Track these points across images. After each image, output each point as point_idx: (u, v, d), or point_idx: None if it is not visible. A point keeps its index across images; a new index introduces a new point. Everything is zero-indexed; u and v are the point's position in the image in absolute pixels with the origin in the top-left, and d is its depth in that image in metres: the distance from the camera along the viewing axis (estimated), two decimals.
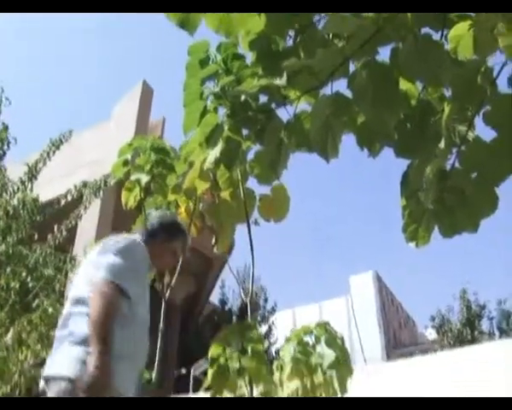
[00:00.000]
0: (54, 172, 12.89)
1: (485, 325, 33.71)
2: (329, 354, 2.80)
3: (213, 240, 3.87)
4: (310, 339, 2.91)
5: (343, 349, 2.86)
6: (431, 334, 36.92)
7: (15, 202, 5.38)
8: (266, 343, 22.07)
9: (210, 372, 2.85)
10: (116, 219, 15.32)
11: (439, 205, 2.33)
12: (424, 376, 9.41)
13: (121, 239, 2.65)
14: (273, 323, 25.98)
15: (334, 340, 2.87)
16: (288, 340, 2.95)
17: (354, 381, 8.94)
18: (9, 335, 4.71)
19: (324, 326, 2.88)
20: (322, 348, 2.87)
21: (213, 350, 2.85)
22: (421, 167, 2.35)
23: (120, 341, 2.36)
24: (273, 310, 28.20)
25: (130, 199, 4.27)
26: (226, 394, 2.88)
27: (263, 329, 24.96)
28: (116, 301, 2.36)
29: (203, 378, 3.11)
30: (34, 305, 4.96)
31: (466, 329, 32.54)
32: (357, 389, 8.98)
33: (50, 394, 2.32)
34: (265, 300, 28.44)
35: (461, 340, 28.65)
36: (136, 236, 2.83)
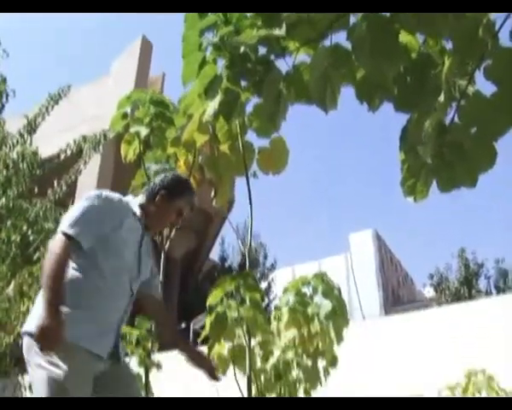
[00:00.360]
0: (53, 128, 12.86)
1: (482, 283, 34.07)
2: (326, 305, 2.84)
3: (212, 193, 3.89)
4: (307, 290, 2.95)
5: (340, 300, 2.90)
6: (429, 292, 37.31)
7: (15, 155, 5.37)
8: (266, 300, 22.33)
9: (208, 321, 2.89)
10: (116, 174, 15.34)
11: (437, 159, 2.33)
12: (422, 331, 9.50)
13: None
14: (272, 280, 26.23)
15: (331, 291, 2.90)
16: (285, 290, 2.99)
17: (352, 336, 9.04)
18: (11, 287, 4.77)
19: (321, 277, 2.92)
20: (319, 298, 2.92)
21: (211, 299, 2.88)
22: (421, 121, 2.34)
23: (78, 291, 2.46)
24: (272, 267, 28.46)
25: (129, 152, 4.27)
26: (224, 343, 2.94)
27: (262, 285, 25.21)
28: (62, 250, 2.42)
29: (202, 332, 3.16)
30: (35, 258, 5.00)
31: (463, 287, 32.91)
32: (355, 344, 9.10)
33: (23, 349, 2.43)
34: (265, 257, 28.68)
35: (458, 298, 28.97)
36: (130, 197, 2.88)
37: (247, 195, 3.59)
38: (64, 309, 2.37)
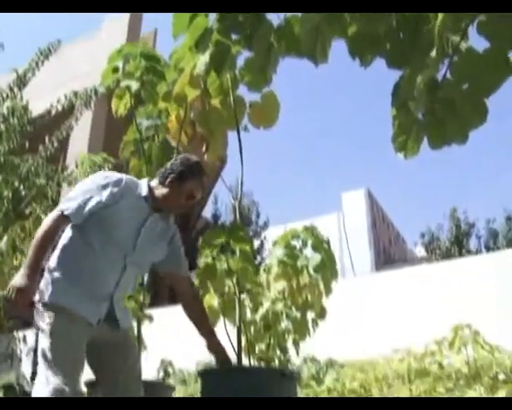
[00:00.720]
0: (44, 85, 12.71)
1: (473, 243, 34.37)
2: (315, 257, 2.88)
3: (204, 148, 3.89)
4: (297, 243, 2.98)
5: (329, 253, 2.93)
6: (420, 251, 37.64)
7: (5, 110, 5.32)
8: (258, 258, 22.48)
9: (198, 272, 2.94)
10: (108, 130, 15.25)
11: (428, 116, 2.34)
12: (412, 288, 9.62)
13: None
14: (265, 238, 26.28)
15: (320, 244, 2.93)
16: (275, 243, 3.02)
17: (344, 293, 9.11)
18: (3, 241, 4.78)
19: (311, 230, 2.94)
20: (308, 251, 2.96)
21: (201, 250, 2.92)
22: (413, 77, 2.34)
23: (69, 260, 2.72)
24: (265, 225, 28.53)
25: (120, 107, 4.24)
26: (214, 295, 2.99)
27: (255, 244, 25.32)
28: (52, 224, 2.67)
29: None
30: (27, 212, 5.02)
31: (454, 247, 33.20)
32: (346, 300, 9.21)
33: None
34: (257, 215, 28.75)
35: (449, 257, 29.19)
36: (144, 180, 3.01)
37: (239, 151, 3.58)
38: (56, 274, 2.66)
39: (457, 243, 33.62)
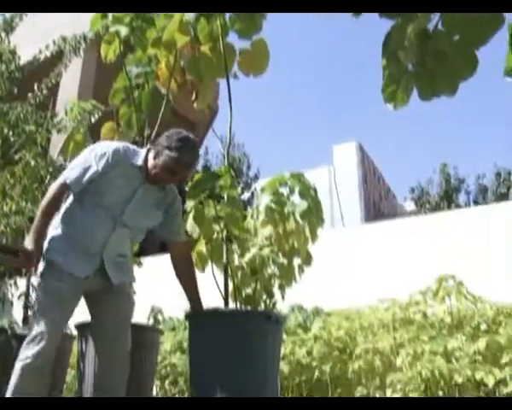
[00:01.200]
0: (33, 32, 12.47)
1: (462, 198, 34.59)
2: (302, 204, 2.91)
3: (193, 96, 3.88)
4: (284, 190, 3.01)
5: (315, 200, 2.96)
6: (410, 206, 37.87)
7: None
8: (249, 209, 22.49)
9: (187, 218, 2.97)
10: (98, 78, 15.05)
11: (419, 66, 2.34)
12: (400, 239, 9.69)
13: None
14: (256, 190, 26.28)
15: (307, 190, 2.95)
16: (262, 190, 3.04)
17: (333, 243, 9.17)
18: None
19: (298, 177, 2.96)
20: (295, 198, 2.98)
21: (189, 196, 2.94)
22: (404, 27, 2.33)
23: (66, 221, 3.03)
24: (256, 177, 28.53)
25: (109, 52, 4.19)
26: (202, 240, 3.03)
27: (246, 196, 25.38)
28: (55, 192, 2.97)
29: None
30: (16, 158, 5.01)
31: (443, 201, 33.42)
32: (335, 250, 9.27)
33: None
34: (248, 167, 28.71)
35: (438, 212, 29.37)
36: (144, 149, 3.19)
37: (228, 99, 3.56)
38: (53, 233, 3.02)
39: (447, 198, 33.82)
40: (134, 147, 3.21)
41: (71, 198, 3.09)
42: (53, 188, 3.01)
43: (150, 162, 3.06)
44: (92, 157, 3.01)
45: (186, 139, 3.04)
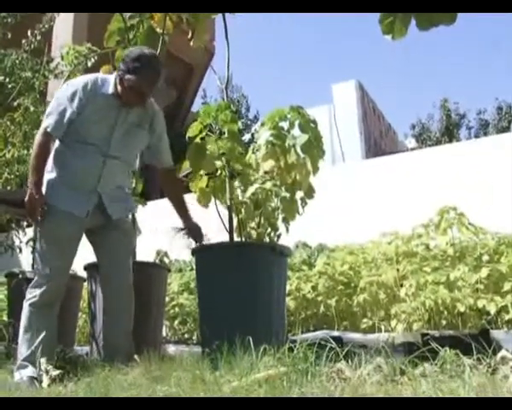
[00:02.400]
0: None
1: (463, 133, 34.42)
2: (303, 137, 2.90)
3: (189, 35, 3.82)
4: (284, 124, 2.99)
5: (316, 132, 2.94)
6: (410, 142, 37.69)
7: None
8: (249, 151, 22.38)
9: (188, 153, 2.98)
10: (91, 21, 14.80)
11: None
12: (401, 174, 9.63)
13: None
14: (256, 131, 26.09)
15: (307, 123, 2.93)
16: (262, 124, 3.02)
17: (334, 178, 9.14)
18: None
19: (298, 110, 2.94)
20: (296, 131, 2.97)
21: (190, 132, 2.94)
22: None
23: (56, 164, 3.10)
24: (255, 119, 28.32)
25: None
26: (204, 177, 3.04)
27: (245, 137, 25.23)
28: (41, 141, 3.05)
29: (186, 180, 3.31)
30: (15, 104, 4.99)
31: (444, 137, 33.24)
32: (337, 186, 9.25)
33: None
34: (247, 108, 28.48)
35: None
36: (113, 75, 3.16)
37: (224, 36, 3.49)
38: (47, 177, 3.07)
39: (448, 134, 33.64)
40: (102, 76, 3.23)
41: (57, 143, 3.14)
42: (37, 138, 3.08)
43: (119, 88, 3.08)
44: (64, 99, 3.04)
45: (141, 57, 3.03)
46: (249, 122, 27.72)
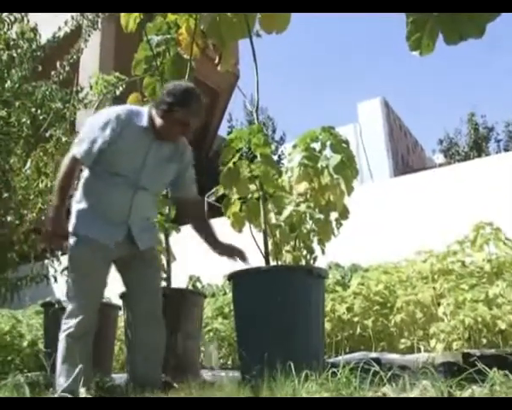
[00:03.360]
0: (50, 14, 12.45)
1: (492, 147, 33.99)
2: (335, 157, 2.88)
3: (217, 60, 3.84)
4: (316, 145, 2.98)
5: (348, 152, 2.92)
6: (438, 158, 37.35)
7: (14, 34, 5.27)
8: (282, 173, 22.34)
9: (221, 178, 2.98)
10: (118, 51, 15.07)
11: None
12: (431, 191, 9.55)
13: None
14: (282, 153, 26.14)
15: (339, 144, 2.92)
16: (294, 147, 3.01)
17: (363, 198, 9.08)
18: (27, 166, 4.88)
19: (329, 131, 2.92)
20: (327, 152, 2.96)
21: (224, 156, 2.94)
22: None
23: (86, 193, 3.09)
24: (281, 140, 28.36)
25: (129, 22, 4.18)
26: (238, 202, 3.03)
27: None
28: (68, 167, 3.03)
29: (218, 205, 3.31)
30: (47, 135, 5.08)
31: (473, 151, 32.87)
32: (366, 206, 9.17)
33: None
34: (273, 130, 28.53)
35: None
36: (146, 107, 3.20)
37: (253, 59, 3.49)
38: (77, 208, 3.08)
39: (476, 148, 33.26)
40: (135, 108, 3.25)
41: (86, 172, 3.15)
42: (65, 164, 3.06)
43: (158, 121, 3.09)
44: (96, 127, 3.04)
45: (190, 90, 3.08)
46: (275, 144, 27.75)
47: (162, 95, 3.10)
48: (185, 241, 4.72)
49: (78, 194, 3.12)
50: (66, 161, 3.06)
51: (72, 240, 3.03)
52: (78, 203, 3.10)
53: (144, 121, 3.10)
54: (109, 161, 3.04)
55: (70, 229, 3.02)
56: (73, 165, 3.03)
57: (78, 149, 3.03)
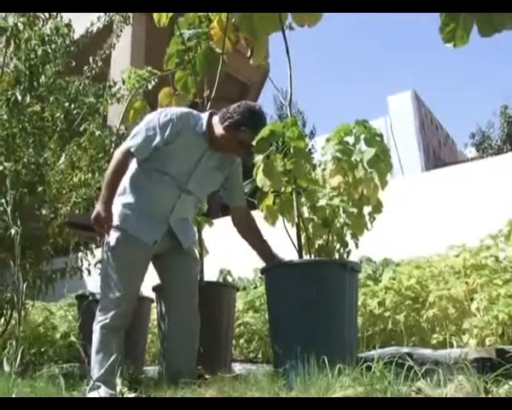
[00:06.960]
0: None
1: None
2: (369, 151, 2.86)
3: (249, 53, 3.84)
4: (350, 139, 2.96)
5: (382, 145, 2.90)
6: (471, 152, 36.81)
7: (48, 30, 5.34)
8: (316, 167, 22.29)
9: (255, 171, 2.98)
10: (149, 45, 15.21)
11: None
12: (464, 184, 9.42)
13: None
14: (313, 146, 26.06)
15: (373, 137, 2.90)
16: (328, 140, 3.00)
17: (394, 192, 9.05)
18: (62, 160, 4.96)
19: (363, 124, 2.90)
20: (361, 145, 2.94)
21: (257, 150, 2.94)
22: None
23: (134, 190, 3.10)
24: (312, 134, 28.26)
25: (162, 16, 4.21)
26: (271, 195, 3.03)
27: None
28: (119, 159, 3.05)
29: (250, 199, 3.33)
30: (81, 129, 5.15)
31: (506, 145, 32.29)
32: (397, 200, 9.12)
33: None
34: (303, 124, 28.45)
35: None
36: (207, 113, 3.23)
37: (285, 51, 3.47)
38: (120, 201, 3.08)
39: (510, 141, 32.67)
40: (196, 112, 3.25)
41: (135, 165, 3.15)
42: (117, 156, 3.07)
43: (218, 131, 3.12)
44: (156, 124, 3.04)
45: (261, 115, 3.15)
46: (306, 137, 27.63)
47: (233, 109, 3.12)
48: (215, 234, 4.76)
49: (122, 187, 3.13)
50: (117, 156, 3.07)
51: (113, 234, 3.03)
52: (121, 196, 3.11)
53: (203, 127, 3.13)
54: (162, 159, 3.06)
55: (113, 221, 3.01)
56: (126, 158, 3.05)
57: (132, 143, 3.05)
